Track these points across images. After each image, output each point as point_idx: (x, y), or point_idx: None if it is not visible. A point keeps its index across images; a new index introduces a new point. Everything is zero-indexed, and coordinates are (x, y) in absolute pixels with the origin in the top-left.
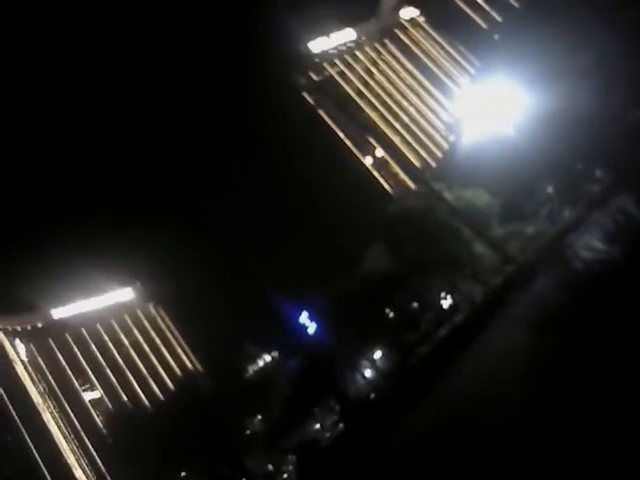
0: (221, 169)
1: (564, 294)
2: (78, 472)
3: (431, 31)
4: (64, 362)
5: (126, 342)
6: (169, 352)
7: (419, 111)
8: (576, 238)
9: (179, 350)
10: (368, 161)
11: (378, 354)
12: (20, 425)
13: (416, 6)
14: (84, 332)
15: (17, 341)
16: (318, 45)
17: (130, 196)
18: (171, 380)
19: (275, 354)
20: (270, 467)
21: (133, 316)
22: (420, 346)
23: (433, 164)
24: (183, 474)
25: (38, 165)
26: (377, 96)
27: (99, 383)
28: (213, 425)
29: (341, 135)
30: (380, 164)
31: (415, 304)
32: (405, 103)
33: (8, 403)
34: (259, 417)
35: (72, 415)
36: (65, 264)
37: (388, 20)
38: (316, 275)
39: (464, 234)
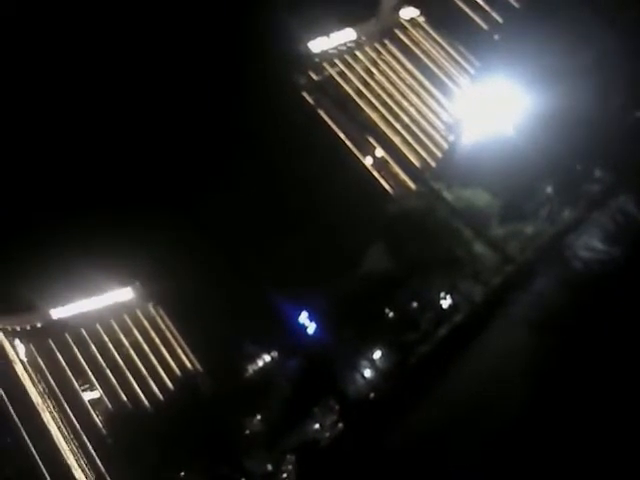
0: (221, 169)
1: (564, 294)
2: (77, 472)
3: (431, 31)
4: (64, 362)
5: (126, 342)
6: (169, 352)
7: (419, 111)
8: (576, 238)
9: (179, 350)
10: (368, 161)
11: (378, 354)
12: (20, 425)
13: (416, 6)
14: (84, 332)
15: (17, 341)
16: (318, 45)
17: (130, 196)
18: (171, 380)
19: (275, 354)
20: (269, 467)
21: (133, 316)
22: (420, 346)
23: (433, 164)
24: (182, 474)
25: (38, 165)
26: (377, 96)
27: (99, 383)
28: (213, 425)
29: (341, 135)
30: (380, 164)
31: (415, 304)
32: (405, 103)
33: (8, 403)
34: (259, 417)
35: (72, 415)
36: (65, 264)
37: (388, 20)
38: (316, 275)
39: (464, 234)
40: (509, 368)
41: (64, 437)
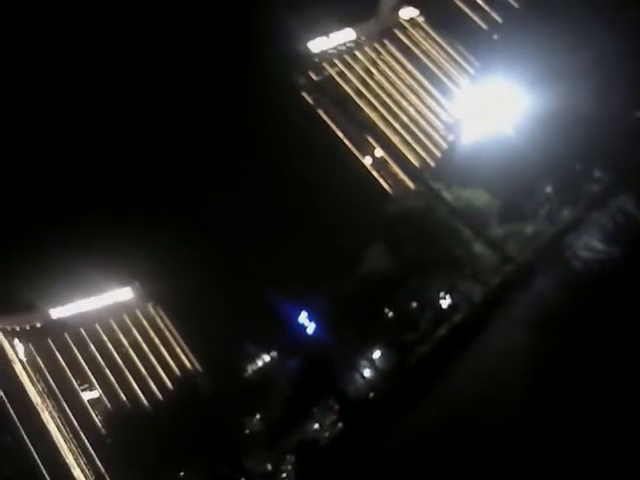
0: (220, 169)
1: (564, 294)
2: (77, 472)
3: (430, 31)
4: (63, 362)
5: (125, 342)
6: (168, 352)
7: (418, 111)
8: (575, 238)
9: (178, 350)
10: (367, 161)
11: (377, 354)
12: (19, 425)
13: (416, 6)
14: (83, 332)
15: (16, 341)
16: (317, 45)
17: (129, 196)
18: (170, 380)
19: (274, 354)
20: (269, 467)
21: (132, 316)
22: (419, 346)
23: (432, 164)
24: (182, 474)
25: (37, 165)
26: (376, 96)
27: (98, 383)
28: (212, 425)
29: (340, 135)
30: (379, 164)
31: (414, 304)
32: (404, 103)
33: (7, 403)
34: (258, 417)
35: (71, 415)
36: (64, 264)
37: (388, 20)
38: (316, 275)
39: (463, 234)
40: (509, 368)
41: (63, 437)
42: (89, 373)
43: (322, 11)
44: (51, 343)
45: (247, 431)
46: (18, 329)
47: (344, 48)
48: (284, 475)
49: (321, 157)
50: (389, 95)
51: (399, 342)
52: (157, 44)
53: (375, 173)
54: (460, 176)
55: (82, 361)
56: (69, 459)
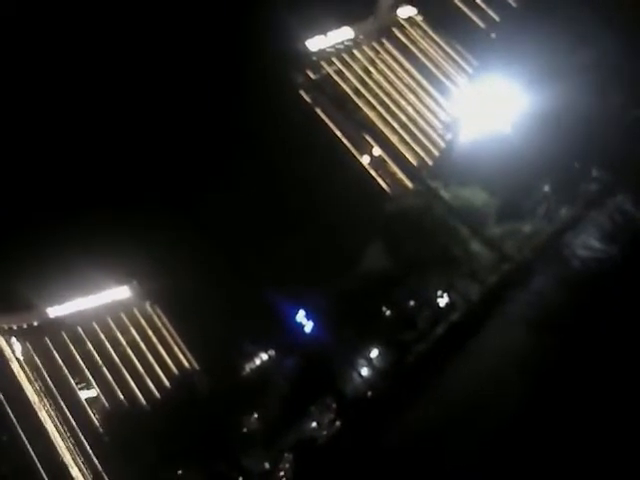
0: (219, 168)
1: (561, 293)
2: (74, 470)
3: (429, 30)
4: (60, 360)
5: (122, 340)
6: (166, 350)
7: (416, 110)
8: (573, 237)
9: (176, 348)
10: (365, 160)
11: (375, 352)
12: (16, 423)
13: (414, 5)
14: (80, 330)
15: (13, 339)
16: (316, 44)
17: (127, 195)
18: (168, 378)
19: (272, 352)
20: (267, 465)
21: (130, 314)
22: (417, 344)
23: (430, 163)
24: (180, 472)
25: (36, 164)
26: (375, 95)
27: (95, 381)
28: (210, 423)
29: (338, 134)
30: (377, 163)
31: (412, 302)
32: (402, 102)
33: (4, 401)
34: (256, 415)
35: (68, 413)
36: (62, 262)
37: (386, 19)
38: (315, 275)
39: (461, 233)
40: (506, 367)
41: (61, 435)
42: (86, 372)
43: (320, 10)
44: (48, 342)
45: (245, 429)
46: (15, 327)
47: (342, 47)
48: (282, 473)
49: (319, 156)
50: (387, 94)
51: (397, 341)
52: (156, 44)
53: (373, 172)
54: (458, 175)
55: (79, 360)
56: (66, 458)
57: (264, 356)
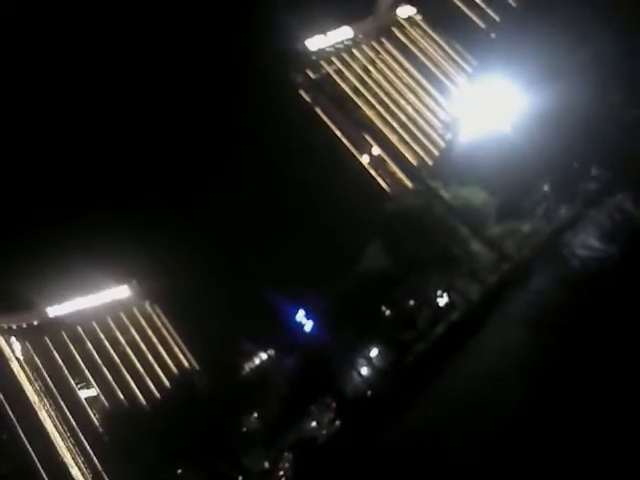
0: (219, 168)
1: (561, 292)
2: (74, 470)
3: (428, 29)
4: (60, 360)
5: (122, 340)
6: (165, 350)
7: (416, 109)
8: (573, 236)
9: (175, 348)
10: (365, 159)
11: (375, 352)
12: (16, 423)
13: (413, 4)
14: (80, 330)
15: (13, 339)
16: (315, 43)
17: (127, 194)
18: (167, 378)
19: (272, 352)
20: (267, 464)
21: (129, 314)
22: (417, 344)
23: (430, 162)
24: (179, 472)
25: (36, 164)
26: (374, 94)
27: (95, 381)
28: (210, 423)
29: (338, 133)
30: (377, 162)
31: (412, 302)
32: (402, 101)
33: (4, 401)
34: (256, 415)
35: (68, 413)
36: (61, 262)
37: (385, 18)
38: (314, 274)
39: (461, 232)
40: (506, 366)
41: (61, 435)
42: (86, 371)
43: (320, 9)
44: (48, 341)
45: (244, 429)
46: (15, 327)
47: (342, 46)
48: (282, 473)
49: (319, 156)
50: (387, 93)
51: (396, 340)
52: (156, 44)
53: (373, 172)
54: (458, 174)
55: (79, 359)
56: (66, 457)
57: (264, 356)
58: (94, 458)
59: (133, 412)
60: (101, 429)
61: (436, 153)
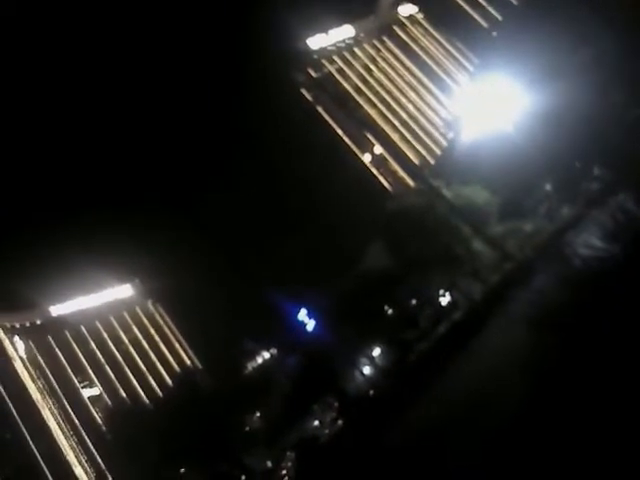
0: (220, 168)
1: (563, 292)
2: (78, 469)
3: (430, 28)
4: (63, 359)
5: (125, 339)
6: (168, 349)
7: (418, 108)
8: (575, 236)
9: (178, 347)
10: (367, 158)
11: (377, 351)
12: (19, 422)
13: (415, 3)
14: (83, 329)
15: (16, 338)
16: (316, 42)
17: (129, 194)
18: (170, 377)
19: (274, 351)
20: (269, 464)
21: (132, 313)
22: (419, 343)
23: (432, 161)
24: (182, 470)
25: (38, 164)
26: (376, 93)
27: (98, 380)
28: (212, 422)
29: (340, 132)
30: (379, 161)
31: (414, 301)
32: (404, 100)
33: (7, 400)
34: (258, 414)
35: (71, 412)
36: (64, 261)
37: (387, 17)
38: (316, 274)
39: (463, 231)
40: (508, 366)
41: (64, 434)
42: (89, 370)
43: (321, 8)
44: (51, 340)
45: (247, 428)
46: (18, 326)
47: (343, 45)
48: (284, 472)
49: (321, 155)
50: (388, 92)
51: (399, 340)
52: (156, 44)
53: (375, 170)
54: (460, 173)
55: (82, 358)
56: (70, 456)
57: (266, 355)
58: (97, 457)
59: (136, 411)
60: (104, 428)
61: (438, 152)
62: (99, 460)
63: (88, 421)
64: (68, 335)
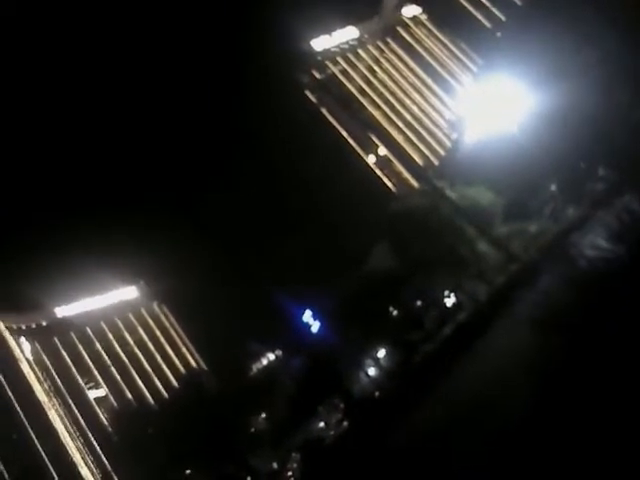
0: (225, 169)
1: (568, 293)
2: (84, 470)
3: (434, 29)
4: (69, 360)
5: (130, 340)
6: (173, 350)
7: (422, 109)
8: (580, 236)
9: (183, 348)
10: (371, 160)
11: (382, 353)
12: (26, 423)
13: (419, 4)
14: (89, 330)
15: (22, 339)
16: (321, 43)
17: (135, 196)
18: (175, 378)
19: (279, 353)
20: (275, 465)
21: (137, 314)
22: (424, 345)
23: (436, 162)
24: (188, 472)
25: (44, 166)
26: (380, 94)
27: (104, 381)
28: (217, 423)
29: (344, 133)
30: (383, 162)
31: (419, 303)
32: (408, 101)
33: (14, 401)
34: (263, 415)
35: (77, 413)
36: (69, 263)
37: (391, 18)
38: (320, 275)
39: (468, 232)
40: (513, 367)
41: (70, 435)
42: (95, 371)
43: (325, 9)
44: (57, 342)
45: (252, 429)
46: (24, 328)
47: (347, 46)
48: (290, 473)
49: (325, 156)
50: (392, 93)
51: (404, 341)
52: (160, 45)
53: (379, 172)
54: (464, 174)
55: (88, 359)
56: (76, 457)
57: (271, 356)
58: (103, 458)
59: (141, 412)
60: (110, 429)
61: (442, 153)
62: (105, 461)
63: (94, 422)
64: (74, 336)
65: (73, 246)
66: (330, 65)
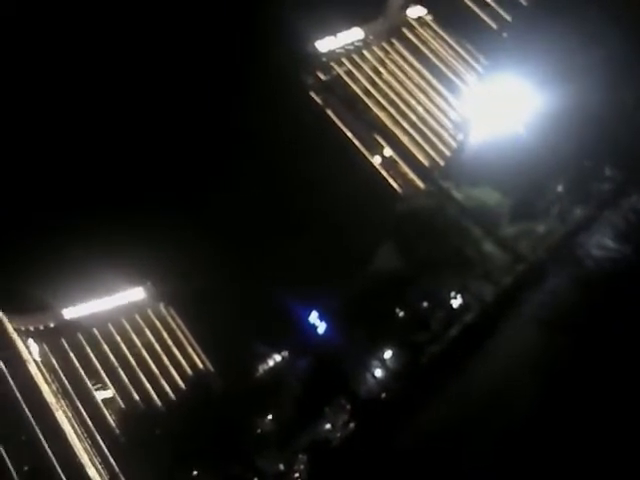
0: (231, 170)
1: (575, 293)
2: (91, 471)
3: (439, 30)
4: (76, 362)
5: (137, 342)
6: (180, 352)
7: (427, 110)
8: (587, 237)
9: (190, 350)
10: (376, 161)
11: (388, 354)
12: (34, 424)
13: (424, 5)
14: (96, 332)
15: (30, 341)
16: (326, 44)
17: (142, 196)
18: (182, 380)
19: (286, 354)
20: (281, 466)
21: (144, 316)
22: (430, 346)
23: (442, 163)
24: (195, 473)
25: (51, 167)
26: (385, 95)
27: (111, 382)
28: (224, 424)
29: (349, 135)
30: (389, 163)
31: (425, 303)
32: (413, 102)
33: (22, 402)
34: (270, 417)
35: (85, 414)
36: (77, 264)
37: (396, 19)
38: (327, 276)
39: (474, 233)
40: (520, 367)
41: (78, 436)
42: (102, 373)
43: (330, 10)
44: (65, 343)
45: (259, 431)
46: (32, 329)
47: (352, 47)
48: (296, 475)
49: (330, 157)
50: (398, 94)
51: (410, 342)
52: (163, 45)
53: (384, 173)
54: (470, 175)
55: (95, 361)
56: (84, 458)
57: (278, 357)
58: (111, 459)
59: (149, 413)
60: (117, 430)
61: (448, 153)
62: (113, 462)
63: (102, 423)
64: (81, 338)
65: (81, 248)
66: (335, 66)
